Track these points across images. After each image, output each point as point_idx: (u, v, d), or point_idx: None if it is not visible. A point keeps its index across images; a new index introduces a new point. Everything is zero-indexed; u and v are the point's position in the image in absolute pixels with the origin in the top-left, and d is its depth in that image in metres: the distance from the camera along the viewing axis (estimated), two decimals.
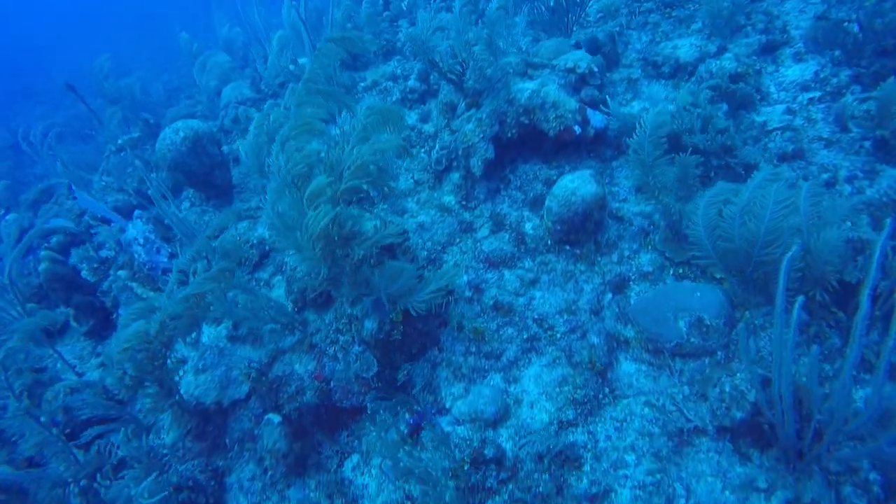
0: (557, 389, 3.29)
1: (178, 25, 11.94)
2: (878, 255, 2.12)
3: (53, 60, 22.62)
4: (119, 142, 6.03)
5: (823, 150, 3.86)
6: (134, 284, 4.08)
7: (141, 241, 4.16)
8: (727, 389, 2.99)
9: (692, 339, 3.25)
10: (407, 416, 3.25)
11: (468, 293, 3.75)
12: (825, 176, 3.70)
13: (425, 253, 3.99)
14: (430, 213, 4.29)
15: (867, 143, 3.77)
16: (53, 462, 3.43)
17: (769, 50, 4.54)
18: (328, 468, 3.51)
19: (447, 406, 3.37)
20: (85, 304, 4.26)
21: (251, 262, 4.55)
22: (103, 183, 6.54)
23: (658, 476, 2.90)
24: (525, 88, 3.94)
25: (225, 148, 5.70)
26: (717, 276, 3.50)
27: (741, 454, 2.92)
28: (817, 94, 4.19)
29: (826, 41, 4.27)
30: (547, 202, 3.72)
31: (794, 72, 4.39)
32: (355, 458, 3.54)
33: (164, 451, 3.56)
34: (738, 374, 2.98)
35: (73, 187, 4.13)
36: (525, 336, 3.53)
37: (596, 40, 4.81)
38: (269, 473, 3.44)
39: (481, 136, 3.98)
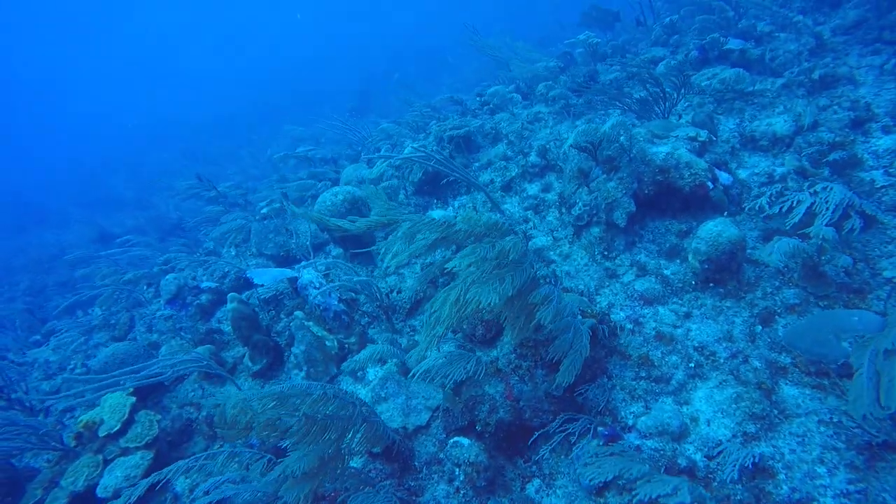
0: (734, 406, 3.47)
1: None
2: None
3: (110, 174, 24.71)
4: (263, 210, 6.67)
5: None
6: (310, 324, 4.44)
7: (316, 284, 4.58)
8: None
9: None
10: (601, 429, 3.44)
11: (629, 326, 4.05)
12: None
13: None
14: (575, 263, 4.69)
15: None
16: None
17: (857, 125, 5.14)
18: (513, 489, 3.63)
19: (629, 424, 3.56)
20: (262, 342, 4.59)
21: (404, 309, 4.92)
22: (233, 252, 7.11)
23: (861, 485, 3.01)
24: (659, 151, 4.50)
25: None
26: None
27: None
28: None
29: None
30: (693, 244, 4.12)
31: (885, 142, 4.95)
32: (536, 482, 3.65)
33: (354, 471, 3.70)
34: None
35: (249, 273, 4.66)
36: (689, 362, 3.78)
37: (696, 119, 5.47)
38: (462, 493, 3.56)
39: (623, 192, 4.48)
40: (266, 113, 24.37)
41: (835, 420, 3.33)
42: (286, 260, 6.27)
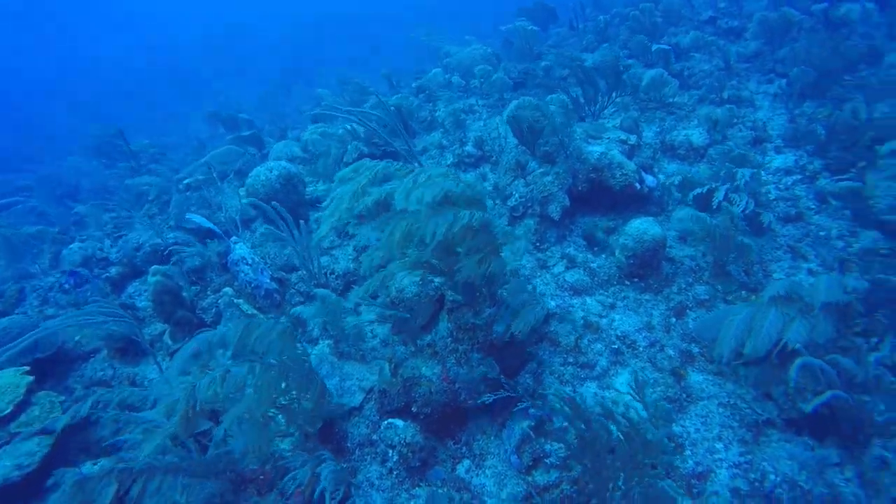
0: (650, 390, 3.79)
1: None
2: None
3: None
4: (186, 181, 6.17)
5: (815, 216, 4.89)
6: (240, 301, 4.22)
7: (249, 261, 4.34)
8: (792, 386, 3.63)
9: None
10: (532, 410, 3.60)
11: (560, 314, 4.26)
12: (822, 233, 4.69)
13: None
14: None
15: (847, 212, 4.84)
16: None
17: (757, 143, 5.72)
18: (445, 470, 3.71)
19: (557, 407, 3.75)
20: (186, 319, 4.28)
21: (336, 291, 4.81)
22: (148, 222, 6.55)
23: (749, 457, 3.41)
24: (594, 151, 4.73)
25: None
26: None
27: (806, 443, 3.50)
28: (798, 177, 5.32)
29: (801, 139, 5.49)
30: (621, 240, 4.39)
31: (777, 161, 5.55)
32: (466, 462, 3.76)
33: (287, 454, 3.61)
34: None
35: (189, 214, 4.32)
36: (612, 349, 4.06)
37: (624, 124, 5.81)
38: (395, 473, 3.59)
39: (559, 186, 4.68)
40: (184, 80, 22.63)
41: (731, 403, 3.73)
42: (209, 234, 5.89)
